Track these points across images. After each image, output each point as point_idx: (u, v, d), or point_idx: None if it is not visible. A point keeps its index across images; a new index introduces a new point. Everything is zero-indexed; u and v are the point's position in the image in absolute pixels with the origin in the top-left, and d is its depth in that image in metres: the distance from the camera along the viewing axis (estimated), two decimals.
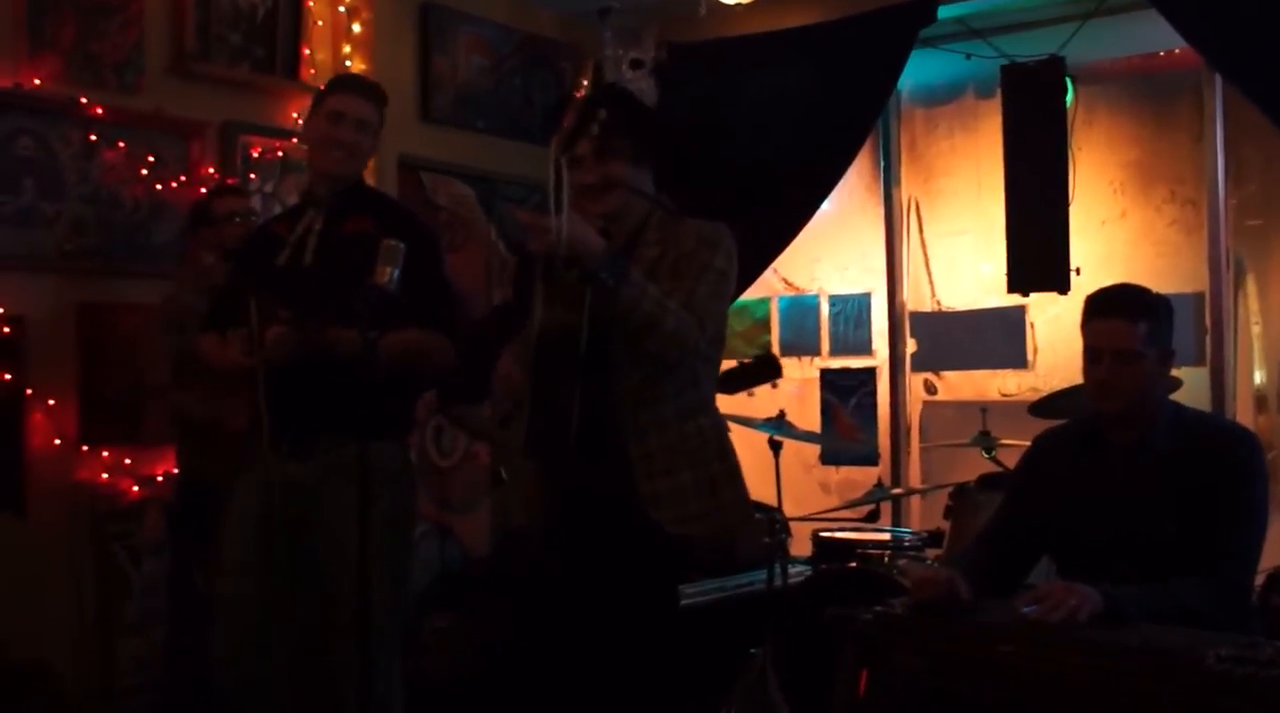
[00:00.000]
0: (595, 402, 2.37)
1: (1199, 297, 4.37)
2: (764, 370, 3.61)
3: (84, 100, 3.55)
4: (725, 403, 3.60)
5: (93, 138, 3.59)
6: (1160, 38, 4.15)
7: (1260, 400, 4.31)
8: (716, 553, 2.59)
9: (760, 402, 3.82)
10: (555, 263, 2.25)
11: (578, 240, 2.20)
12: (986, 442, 3.98)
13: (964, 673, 2.00)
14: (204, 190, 3.69)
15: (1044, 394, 4.03)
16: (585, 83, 2.40)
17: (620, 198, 2.46)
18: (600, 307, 2.29)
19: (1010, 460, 3.07)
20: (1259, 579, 2.56)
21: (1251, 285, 4.35)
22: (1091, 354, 2.38)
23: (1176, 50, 4.36)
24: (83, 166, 3.58)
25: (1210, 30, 3.83)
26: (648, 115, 2.62)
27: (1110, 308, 2.37)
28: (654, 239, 2.47)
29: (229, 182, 3.81)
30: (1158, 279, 4.16)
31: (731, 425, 3.47)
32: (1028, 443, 2.69)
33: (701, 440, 2.47)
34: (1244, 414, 4.28)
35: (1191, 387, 4.00)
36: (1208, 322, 4.35)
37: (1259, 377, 4.32)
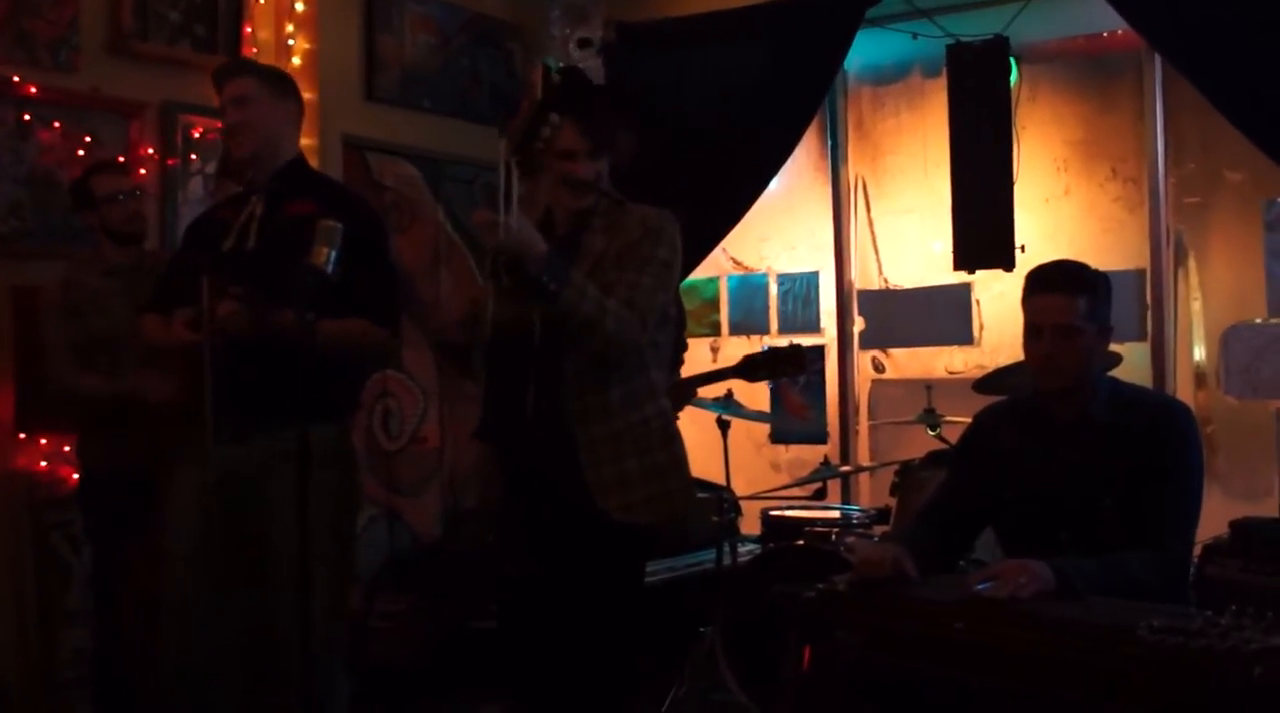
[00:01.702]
0: (547, 389, 2.41)
1: (1140, 273, 4.43)
2: (787, 363, 3.62)
3: (17, 79, 3.47)
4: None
5: (27, 118, 3.51)
6: (1103, 18, 4.18)
7: (1200, 376, 4.37)
8: (665, 536, 2.60)
9: None
10: (499, 263, 2.27)
11: (521, 242, 2.23)
12: (931, 419, 4.03)
13: (903, 647, 2.02)
14: (80, 171, 3.45)
15: (989, 370, 4.08)
16: (536, 83, 2.40)
17: (594, 194, 2.47)
18: (544, 308, 2.33)
19: (955, 437, 3.11)
20: (1196, 551, 2.60)
21: (1192, 262, 4.42)
22: (1032, 330, 2.40)
23: (1119, 31, 4.40)
24: (17, 147, 3.49)
25: (1151, 13, 3.87)
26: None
27: (1050, 284, 2.40)
28: (600, 228, 2.48)
29: (118, 159, 3.64)
30: (1101, 256, 4.22)
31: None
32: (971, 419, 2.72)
33: (646, 428, 2.48)
34: (1184, 390, 4.35)
35: (1133, 362, 4.06)
36: (1149, 298, 4.41)
37: (1199, 353, 4.39)
